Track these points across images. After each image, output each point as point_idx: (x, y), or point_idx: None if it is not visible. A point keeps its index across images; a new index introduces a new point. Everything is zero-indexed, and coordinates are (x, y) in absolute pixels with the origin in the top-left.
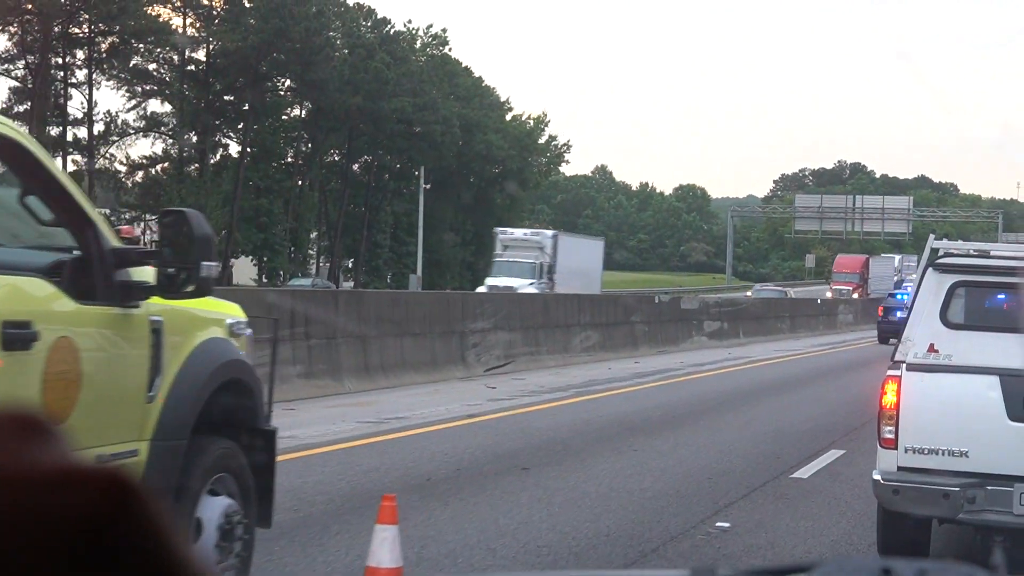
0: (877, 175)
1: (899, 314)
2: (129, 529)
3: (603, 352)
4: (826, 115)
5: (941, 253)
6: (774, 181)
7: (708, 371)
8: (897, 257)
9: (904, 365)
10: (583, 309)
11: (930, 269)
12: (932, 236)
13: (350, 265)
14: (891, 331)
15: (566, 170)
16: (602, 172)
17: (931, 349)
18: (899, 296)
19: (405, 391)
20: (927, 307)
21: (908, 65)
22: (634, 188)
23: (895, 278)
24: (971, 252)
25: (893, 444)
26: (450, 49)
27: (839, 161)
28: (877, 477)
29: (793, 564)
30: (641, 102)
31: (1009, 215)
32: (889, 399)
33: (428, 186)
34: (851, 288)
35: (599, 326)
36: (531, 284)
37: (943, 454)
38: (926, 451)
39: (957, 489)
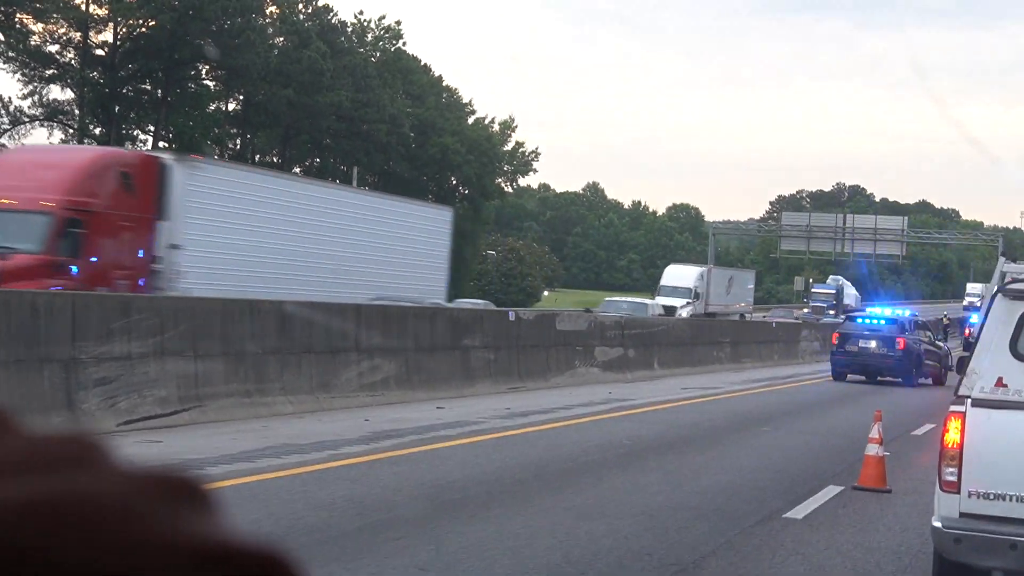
0: (877, 199)
1: (862, 343)
2: None
3: (403, 391)
4: (827, 138)
5: (1008, 279)
6: (770, 203)
7: (520, 428)
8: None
9: (969, 400)
10: (369, 326)
11: (999, 295)
12: (1002, 259)
13: None
14: (848, 365)
15: (556, 186)
16: (593, 189)
17: (999, 383)
18: (868, 320)
19: None
20: (996, 337)
21: (911, 90)
22: (626, 206)
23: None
24: None
25: (955, 487)
26: (404, 44)
27: (838, 184)
28: (937, 524)
29: None
30: (636, 119)
31: (1011, 241)
32: (952, 437)
33: (366, 188)
34: None
35: (400, 352)
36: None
37: (1011, 500)
38: (992, 496)
39: None
